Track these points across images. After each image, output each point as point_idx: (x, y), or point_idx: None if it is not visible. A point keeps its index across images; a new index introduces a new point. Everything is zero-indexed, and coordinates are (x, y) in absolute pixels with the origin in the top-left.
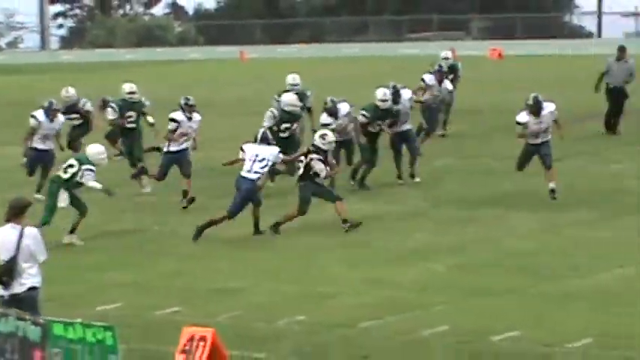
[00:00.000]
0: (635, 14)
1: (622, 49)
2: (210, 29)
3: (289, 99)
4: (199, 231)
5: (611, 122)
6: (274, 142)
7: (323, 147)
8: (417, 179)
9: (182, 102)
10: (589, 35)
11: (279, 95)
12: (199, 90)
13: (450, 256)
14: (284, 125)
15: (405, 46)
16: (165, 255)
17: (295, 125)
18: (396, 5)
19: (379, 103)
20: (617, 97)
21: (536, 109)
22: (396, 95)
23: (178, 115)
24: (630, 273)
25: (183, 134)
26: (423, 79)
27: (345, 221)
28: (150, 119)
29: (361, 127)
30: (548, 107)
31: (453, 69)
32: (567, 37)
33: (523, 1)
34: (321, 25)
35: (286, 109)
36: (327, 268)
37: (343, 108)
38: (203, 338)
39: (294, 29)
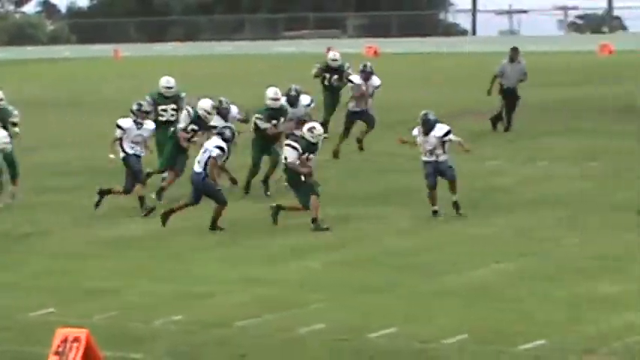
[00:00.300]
0: (509, 12)
1: (515, 50)
2: (83, 28)
3: (270, 93)
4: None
5: (501, 120)
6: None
7: (312, 140)
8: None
9: (134, 108)
10: (464, 33)
11: (155, 96)
12: (72, 88)
13: (327, 254)
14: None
15: (280, 45)
16: (37, 255)
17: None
18: (272, 3)
19: (270, 102)
20: (511, 97)
21: (424, 129)
22: (295, 99)
23: (126, 123)
24: (505, 268)
25: (134, 142)
26: (350, 80)
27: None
28: (16, 129)
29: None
30: (439, 130)
31: (339, 70)
32: (442, 35)
33: None
34: (196, 23)
35: (268, 103)
36: (204, 267)
37: (304, 100)
38: (77, 339)
39: (169, 27)
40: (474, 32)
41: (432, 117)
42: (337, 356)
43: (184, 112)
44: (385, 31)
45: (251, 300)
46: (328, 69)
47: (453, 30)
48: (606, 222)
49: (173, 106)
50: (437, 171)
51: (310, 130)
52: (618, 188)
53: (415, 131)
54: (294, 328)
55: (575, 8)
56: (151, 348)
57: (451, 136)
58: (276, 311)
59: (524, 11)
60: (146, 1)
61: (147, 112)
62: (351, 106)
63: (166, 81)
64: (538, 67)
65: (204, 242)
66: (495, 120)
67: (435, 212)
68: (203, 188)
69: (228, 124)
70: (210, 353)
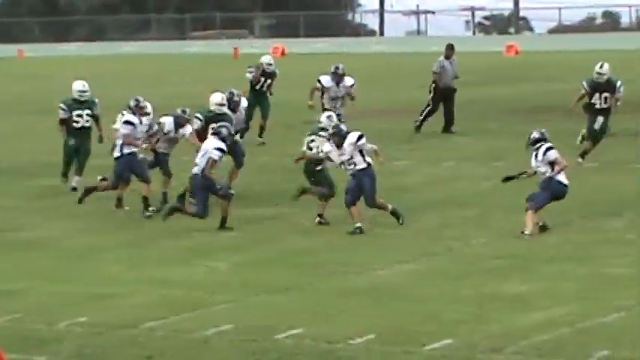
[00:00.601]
0: (416, 13)
1: (451, 48)
2: None
3: (216, 99)
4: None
5: (426, 121)
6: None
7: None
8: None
9: (132, 104)
10: (371, 33)
11: (68, 102)
12: None
13: (233, 254)
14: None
15: (188, 45)
16: None
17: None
18: (178, 3)
19: (215, 107)
20: (449, 96)
21: (337, 141)
22: (235, 104)
23: (133, 119)
24: (412, 268)
25: (137, 139)
26: (319, 80)
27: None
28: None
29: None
30: (351, 137)
31: (272, 75)
32: (350, 35)
33: None
34: (101, 23)
35: (213, 108)
36: (109, 268)
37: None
38: None
39: (74, 27)
40: (381, 33)
41: (343, 127)
42: (244, 357)
43: (194, 120)
44: (293, 31)
45: (157, 301)
46: (264, 73)
47: (360, 30)
48: (513, 222)
49: (88, 111)
50: (359, 186)
51: (329, 117)
52: (524, 188)
53: (327, 146)
54: (201, 329)
55: (482, 9)
56: (55, 350)
57: (364, 141)
58: (183, 312)
59: (432, 12)
60: (50, 1)
61: (143, 108)
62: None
63: (81, 85)
64: None
65: (109, 243)
66: (422, 121)
67: (358, 229)
68: (205, 187)
69: (225, 124)
70: (116, 355)
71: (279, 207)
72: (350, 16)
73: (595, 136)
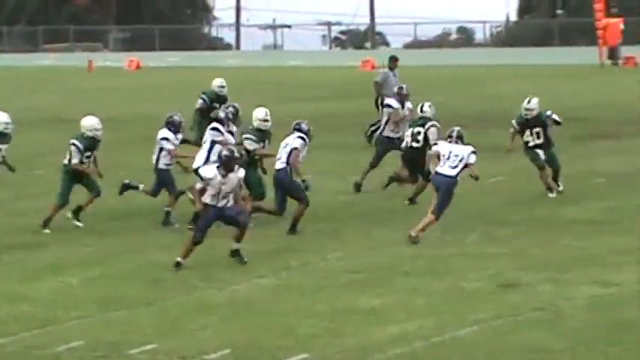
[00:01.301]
0: (272, 27)
1: (396, 59)
2: None
3: (260, 114)
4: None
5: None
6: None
7: None
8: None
9: (176, 119)
10: (228, 47)
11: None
12: None
13: (86, 269)
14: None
15: (40, 57)
16: None
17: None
18: (31, 16)
19: (260, 123)
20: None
21: (224, 170)
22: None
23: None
24: (269, 283)
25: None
26: (389, 105)
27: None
28: None
29: None
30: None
31: (224, 98)
32: (206, 49)
33: (161, 12)
34: None
35: (256, 124)
36: None
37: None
38: None
39: None
40: (237, 46)
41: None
42: None
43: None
44: (148, 44)
45: (7, 317)
46: (217, 98)
47: (217, 44)
48: (369, 236)
49: None
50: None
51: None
52: (381, 201)
53: (208, 172)
54: (52, 345)
55: (338, 24)
56: None
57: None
58: (33, 328)
59: (288, 26)
60: None
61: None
62: (388, 131)
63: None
64: (302, 82)
65: None
66: (372, 133)
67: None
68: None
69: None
70: None
71: (136, 221)
72: (206, 30)
73: (551, 167)
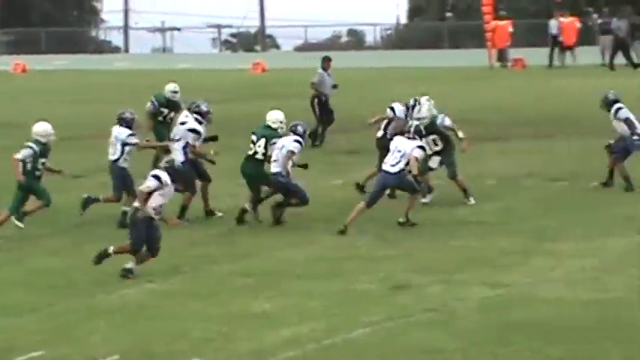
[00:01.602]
0: (161, 30)
1: (329, 60)
2: None
3: (275, 116)
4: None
5: (319, 132)
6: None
7: None
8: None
9: (204, 108)
10: (116, 50)
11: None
12: None
13: None
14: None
15: None
16: None
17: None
18: None
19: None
20: (329, 106)
21: (160, 182)
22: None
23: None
24: (160, 288)
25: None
26: (392, 109)
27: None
28: None
29: None
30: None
31: (177, 104)
32: (95, 52)
33: (47, 15)
34: None
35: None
36: None
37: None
38: None
39: None
40: (126, 49)
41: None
42: None
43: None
44: (34, 47)
45: None
46: (168, 103)
47: (104, 47)
48: (259, 240)
49: None
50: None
51: None
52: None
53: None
54: None
55: (228, 27)
56: None
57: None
58: None
59: (178, 29)
60: None
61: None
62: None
63: None
64: (192, 85)
65: None
66: (315, 135)
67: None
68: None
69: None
70: None
71: (32, 228)
72: (94, 33)
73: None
